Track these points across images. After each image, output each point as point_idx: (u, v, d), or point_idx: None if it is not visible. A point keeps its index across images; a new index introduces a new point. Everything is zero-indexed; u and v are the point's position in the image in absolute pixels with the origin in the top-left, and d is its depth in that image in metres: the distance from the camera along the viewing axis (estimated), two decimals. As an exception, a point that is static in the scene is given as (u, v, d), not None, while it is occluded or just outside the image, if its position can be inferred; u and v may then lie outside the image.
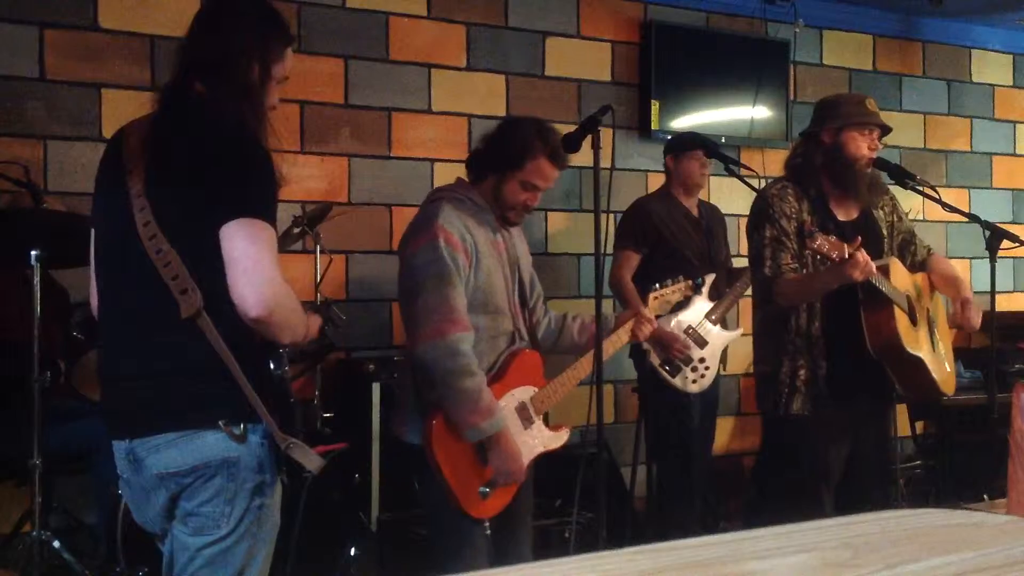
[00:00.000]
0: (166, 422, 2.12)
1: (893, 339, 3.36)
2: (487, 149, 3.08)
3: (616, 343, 3.22)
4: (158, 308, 2.09)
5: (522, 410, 3.07)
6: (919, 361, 3.44)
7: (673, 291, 3.30)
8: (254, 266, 2.04)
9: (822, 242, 3.14)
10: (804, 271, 3.46)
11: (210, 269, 2.06)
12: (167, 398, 2.13)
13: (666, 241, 4.53)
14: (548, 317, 3.30)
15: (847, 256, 3.16)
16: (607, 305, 5.36)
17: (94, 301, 2.34)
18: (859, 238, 3.24)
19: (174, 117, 2.23)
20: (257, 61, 2.22)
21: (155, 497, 2.19)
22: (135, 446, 2.16)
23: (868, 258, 3.20)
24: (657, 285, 3.29)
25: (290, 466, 2.15)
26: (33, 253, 3.40)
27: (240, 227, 2.05)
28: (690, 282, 3.33)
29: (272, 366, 2.16)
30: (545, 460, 3.19)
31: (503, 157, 3.03)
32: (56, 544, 3.57)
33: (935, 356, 3.59)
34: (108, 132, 4.44)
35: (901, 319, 3.40)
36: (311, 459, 2.15)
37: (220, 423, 2.09)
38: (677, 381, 4.34)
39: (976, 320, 3.59)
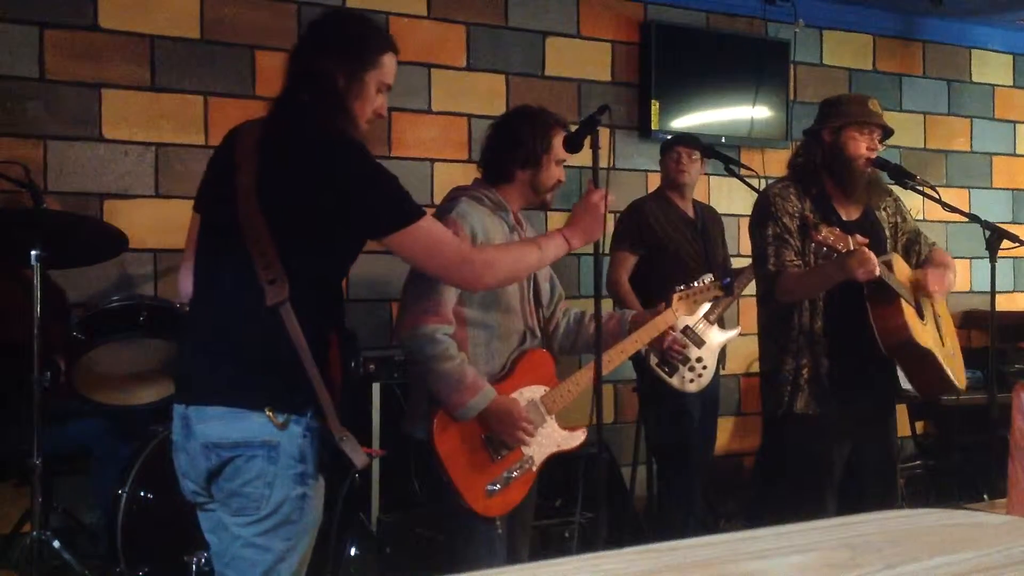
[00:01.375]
0: (219, 396, 2.25)
1: (903, 332, 3.35)
2: (510, 150, 3.10)
3: (634, 345, 3.21)
4: (245, 292, 2.23)
5: (532, 408, 3.07)
6: (930, 354, 3.43)
7: (699, 291, 3.27)
8: (446, 264, 2.41)
9: (827, 233, 3.15)
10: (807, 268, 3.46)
11: (300, 266, 2.24)
12: (226, 375, 2.27)
13: (662, 242, 4.53)
14: (567, 317, 3.31)
15: (852, 248, 3.17)
16: (607, 305, 5.36)
17: (183, 286, 2.52)
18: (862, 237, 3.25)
19: (283, 122, 2.37)
20: (343, 71, 2.35)
21: (200, 464, 2.29)
22: (190, 412, 2.29)
23: (872, 254, 3.20)
24: (682, 286, 3.27)
25: (338, 458, 2.28)
26: (33, 253, 3.39)
27: (403, 239, 2.31)
28: (716, 281, 3.31)
29: (352, 363, 2.29)
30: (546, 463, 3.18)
31: (532, 149, 3.09)
32: (56, 544, 3.57)
33: (944, 351, 3.59)
34: (108, 132, 4.45)
35: (909, 313, 3.40)
36: (359, 455, 2.29)
37: (266, 409, 2.21)
38: (675, 381, 4.34)
39: (932, 283, 3.51)
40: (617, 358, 3.17)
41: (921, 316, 3.50)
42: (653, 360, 4.32)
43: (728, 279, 3.41)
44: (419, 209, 2.34)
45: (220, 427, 2.24)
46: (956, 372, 3.62)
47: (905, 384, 3.76)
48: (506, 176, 3.12)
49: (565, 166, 3.16)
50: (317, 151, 2.27)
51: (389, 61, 2.43)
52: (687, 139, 4.63)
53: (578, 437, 3.17)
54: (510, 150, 3.10)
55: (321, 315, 2.29)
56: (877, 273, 3.24)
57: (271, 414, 2.21)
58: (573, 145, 2.92)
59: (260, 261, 2.21)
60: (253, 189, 2.26)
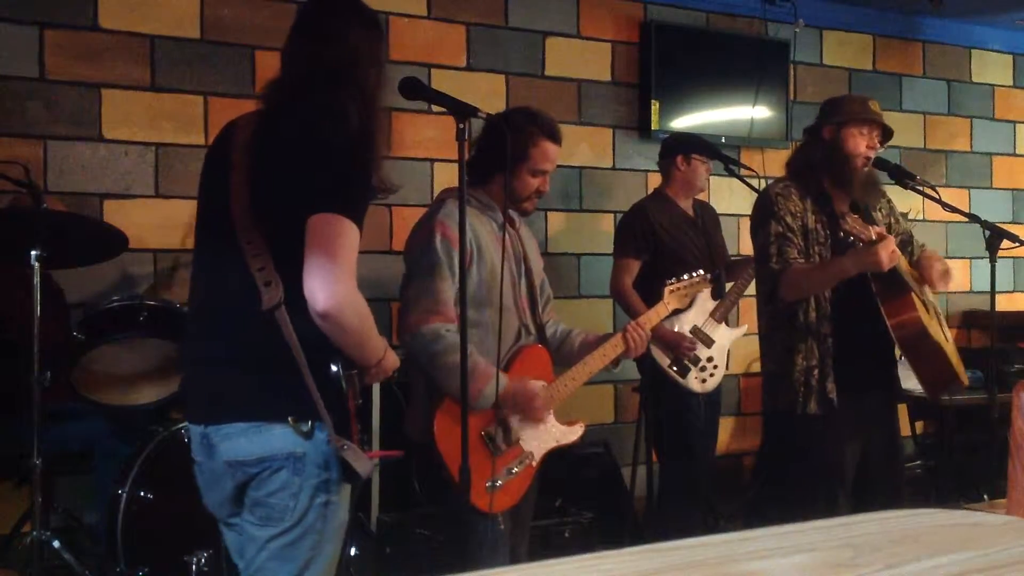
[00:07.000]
0: (237, 412, 2.17)
1: (918, 325, 3.37)
2: (489, 150, 3.10)
3: (606, 356, 3.20)
4: (241, 297, 2.14)
5: None
6: (939, 348, 3.45)
7: (690, 284, 3.31)
8: (330, 262, 2.06)
9: (853, 222, 3.19)
10: None
11: (295, 265, 2.09)
12: (240, 389, 2.18)
13: (666, 245, 4.51)
14: (555, 328, 3.32)
15: (874, 237, 3.21)
16: (608, 309, 5.36)
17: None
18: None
19: (283, 114, 2.27)
20: (374, 66, 2.31)
21: (224, 483, 2.23)
22: (209, 432, 2.21)
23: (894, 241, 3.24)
24: (673, 279, 3.31)
25: (344, 470, 2.18)
26: (33, 253, 3.39)
27: (325, 221, 2.08)
28: (707, 275, 3.35)
29: (333, 368, 2.17)
30: (546, 459, 3.19)
31: (508, 156, 3.06)
32: (56, 544, 3.57)
33: (948, 345, 3.60)
34: (108, 132, 4.45)
35: (920, 306, 3.43)
36: (363, 463, 2.18)
37: (288, 419, 2.13)
38: (687, 381, 4.34)
39: (937, 282, 3.56)
40: (612, 352, 3.18)
41: (927, 310, 3.52)
42: (665, 362, 4.32)
43: (717, 271, 3.46)
44: (361, 224, 2.14)
45: (244, 443, 2.16)
46: (959, 366, 3.63)
47: (905, 384, 3.78)
48: (484, 177, 3.14)
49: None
50: (319, 147, 2.16)
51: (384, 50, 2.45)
52: (703, 147, 4.57)
53: (576, 431, 3.19)
54: (489, 153, 3.09)
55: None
56: (900, 256, 3.28)
57: (294, 424, 2.13)
58: (410, 89, 2.63)
59: (255, 263, 2.13)
60: (246, 189, 2.18)
